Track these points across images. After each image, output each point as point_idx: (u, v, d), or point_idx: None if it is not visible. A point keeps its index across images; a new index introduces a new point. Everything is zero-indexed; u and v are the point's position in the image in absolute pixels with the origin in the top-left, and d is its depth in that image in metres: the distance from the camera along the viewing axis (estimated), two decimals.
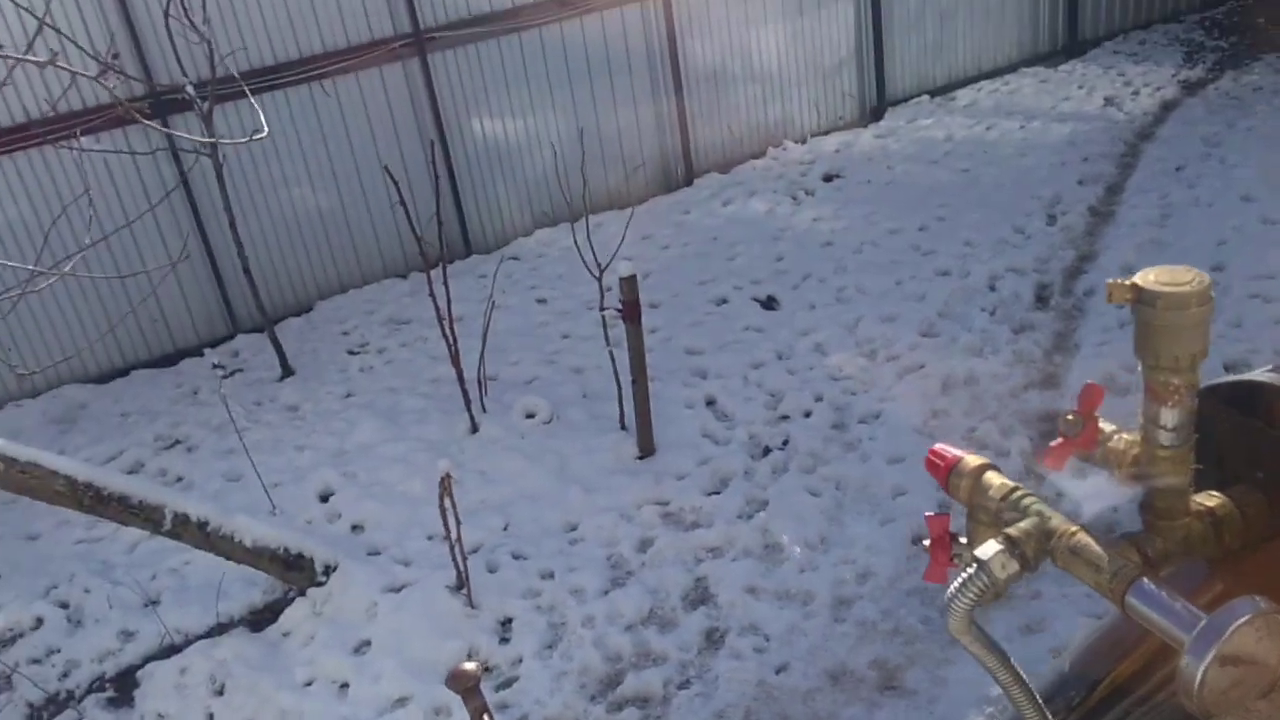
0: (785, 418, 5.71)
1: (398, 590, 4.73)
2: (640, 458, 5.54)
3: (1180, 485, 1.25)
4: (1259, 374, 1.32)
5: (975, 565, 1.21)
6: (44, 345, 7.05)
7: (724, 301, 7.02)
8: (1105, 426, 1.32)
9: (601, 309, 5.69)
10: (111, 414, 6.81)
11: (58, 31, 4.23)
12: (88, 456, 6.22)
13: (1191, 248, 6.33)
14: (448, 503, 4.40)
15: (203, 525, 4.48)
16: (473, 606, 4.60)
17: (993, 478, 1.33)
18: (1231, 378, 1.34)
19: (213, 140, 5.48)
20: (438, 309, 5.70)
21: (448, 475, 4.42)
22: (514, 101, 8.29)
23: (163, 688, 4.40)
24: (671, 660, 4.30)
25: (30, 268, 3.79)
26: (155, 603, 4.93)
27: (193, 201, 7.36)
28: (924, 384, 5.67)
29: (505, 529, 5.16)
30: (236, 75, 5.86)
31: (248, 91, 5.10)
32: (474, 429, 5.90)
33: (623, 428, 5.72)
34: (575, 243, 5.79)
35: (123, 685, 4.57)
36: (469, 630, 4.51)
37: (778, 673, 4.16)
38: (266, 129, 4.25)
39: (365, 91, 7.77)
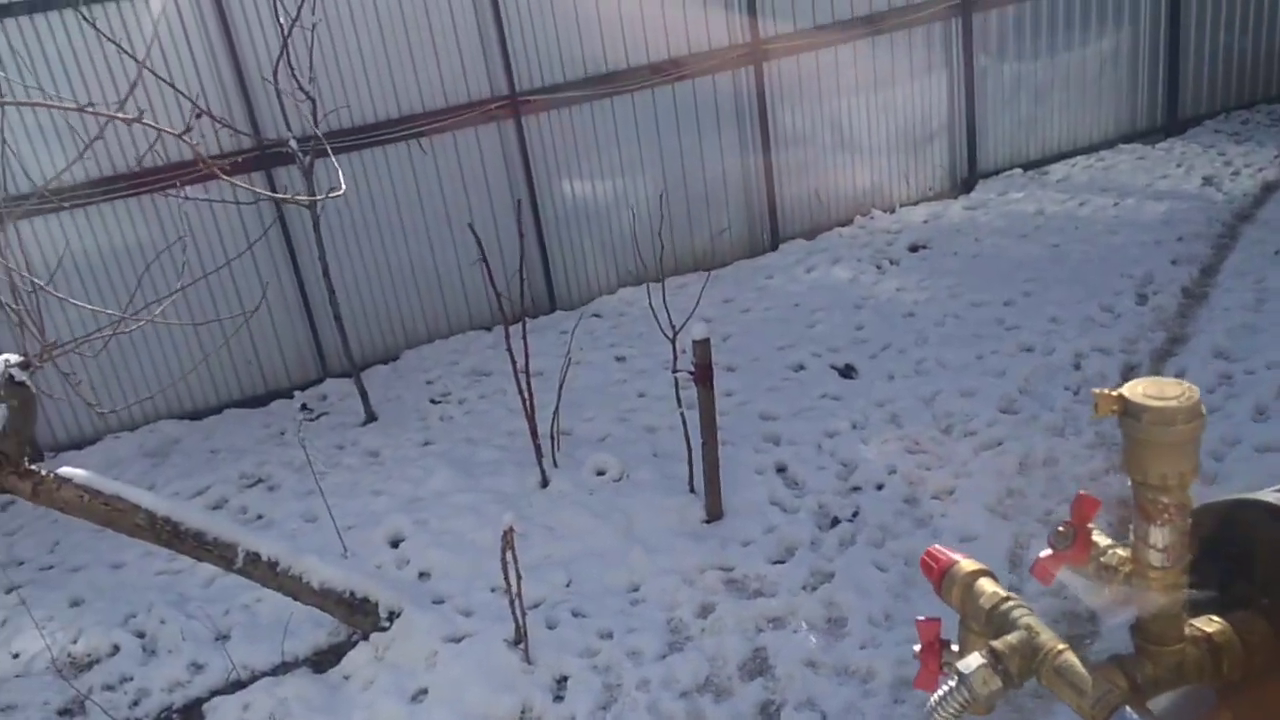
0: (857, 489, 5.64)
1: (458, 640, 4.78)
2: (707, 521, 5.52)
3: (1172, 608, 1.20)
4: (1268, 494, 1.27)
5: (956, 678, 1.18)
6: (144, 380, 7.37)
7: (801, 368, 7.00)
8: (1099, 540, 1.27)
9: (674, 370, 5.73)
10: (202, 450, 7.06)
11: (175, 88, 4.48)
12: (176, 490, 6.46)
13: None
14: (509, 556, 4.45)
15: (273, 565, 4.60)
16: (529, 662, 4.62)
17: (985, 585, 1.30)
18: (1240, 495, 1.29)
19: (287, 197, 5.74)
20: (514, 363, 5.81)
21: (510, 529, 4.47)
22: (604, 163, 8.46)
23: None
24: None
25: (111, 312, 4.00)
26: (226, 637, 5.07)
27: (291, 250, 7.66)
28: (1001, 462, 5.56)
29: (568, 585, 5.19)
30: (319, 136, 6.13)
31: (329, 151, 5.35)
32: (544, 483, 5.97)
33: (691, 490, 5.72)
34: (650, 304, 5.84)
35: (188, 717, 4.69)
36: (525, 686, 4.52)
37: None
38: (344, 187, 4.42)
39: (461, 150, 8.02)
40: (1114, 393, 1.16)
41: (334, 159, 4.89)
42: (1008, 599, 1.27)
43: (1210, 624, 1.23)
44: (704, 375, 5.27)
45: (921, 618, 1.35)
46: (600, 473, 6.07)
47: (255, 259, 7.53)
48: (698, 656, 4.61)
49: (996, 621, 1.26)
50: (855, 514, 5.44)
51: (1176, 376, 5.55)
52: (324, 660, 4.88)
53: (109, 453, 7.06)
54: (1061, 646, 1.18)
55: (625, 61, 8.25)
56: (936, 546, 1.40)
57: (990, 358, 6.61)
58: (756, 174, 8.96)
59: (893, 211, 9.43)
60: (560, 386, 6.17)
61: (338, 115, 7.41)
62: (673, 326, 5.72)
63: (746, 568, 5.13)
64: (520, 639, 4.67)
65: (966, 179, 9.71)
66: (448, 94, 7.87)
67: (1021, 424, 5.87)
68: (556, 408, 6.14)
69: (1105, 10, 9.68)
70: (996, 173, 9.80)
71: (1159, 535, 1.18)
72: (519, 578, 4.53)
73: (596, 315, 8.28)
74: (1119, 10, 9.72)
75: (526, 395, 5.84)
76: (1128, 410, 1.15)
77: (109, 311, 4.12)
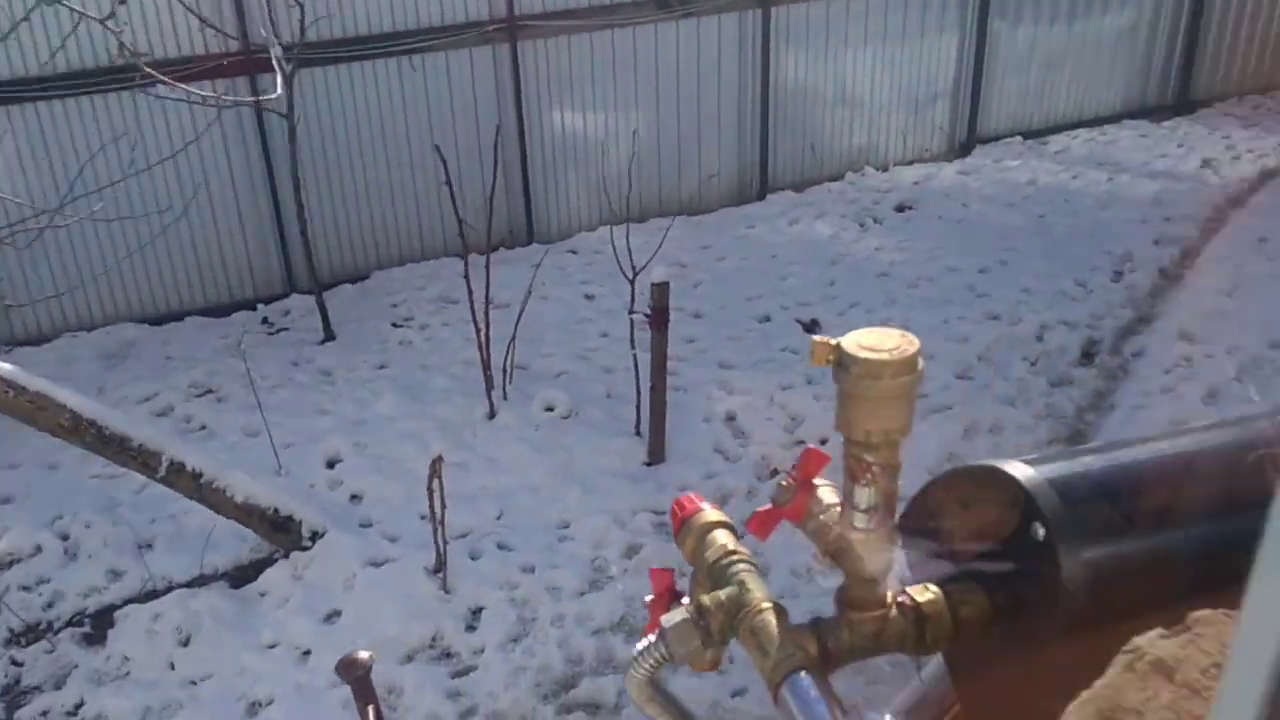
0: (801, 442, 5.58)
1: (379, 565, 4.77)
2: (648, 464, 5.49)
3: (873, 573, 1.12)
4: (1012, 464, 1.17)
5: (657, 632, 1.11)
6: (108, 284, 7.28)
7: (767, 319, 6.91)
8: (824, 498, 1.18)
9: (630, 312, 5.65)
10: (157, 356, 7.00)
11: None
12: (125, 395, 6.43)
13: (1254, 321, 6.00)
14: (435, 485, 4.42)
15: (196, 476, 4.57)
16: (446, 591, 4.61)
17: (718, 536, 1.22)
18: (986, 462, 1.19)
19: (231, 101, 5.62)
20: (471, 292, 5.74)
21: (439, 458, 4.44)
22: (597, 97, 8.28)
23: (134, 631, 4.49)
24: None
25: (24, 203, 3.92)
26: (148, 546, 5.04)
27: (269, 161, 7.51)
28: (946, 426, 5.49)
29: (499, 518, 5.16)
30: (283, 46, 5.95)
31: (281, 62, 5.18)
32: (491, 415, 5.92)
33: (638, 433, 5.67)
34: (613, 244, 5.74)
35: (99, 623, 4.67)
36: (439, 614, 4.51)
37: (734, 696, 4.08)
38: (279, 93, 4.31)
39: (452, 71, 7.83)
40: (832, 341, 1.06)
41: (279, 72, 4.75)
42: (734, 553, 1.19)
43: (924, 593, 1.15)
44: (659, 319, 5.19)
45: (656, 566, 1.28)
46: (550, 409, 6.02)
47: (232, 170, 7.43)
48: (616, 596, 4.60)
49: (715, 575, 1.18)
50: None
51: (1136, 356, 5.45)
52: (243, 575, 4.86)
53: (64, 351, 7.00)
54: (765, 605, 1.10)
55: None
56: (689, 494, 1.32)
57: (956, 323, 6.52)
58: (752, 122, 8.78)
59: (886, 170, 9.26)
60: (518, 319, 6.10)
61: (328, 24, 7.22)
62: (633, 268, 5.64)
63: None
64: (440, 568, 4.65)
65: (965, 143, 9.52)
66: (444, 11, 7.66)
67: (974, 391, 5.79)
68: (512, 340, 6.07)
69: None
70: (996, 139, 9.60)
71: (863, 495, 1.09)
72: (444, 506, 4.50)
73: (572, 251, 8.18)
74: None
75: (481, 325, 5.78)
76: (840, 361, 1.05)
77: (20, 202, 4.05)
